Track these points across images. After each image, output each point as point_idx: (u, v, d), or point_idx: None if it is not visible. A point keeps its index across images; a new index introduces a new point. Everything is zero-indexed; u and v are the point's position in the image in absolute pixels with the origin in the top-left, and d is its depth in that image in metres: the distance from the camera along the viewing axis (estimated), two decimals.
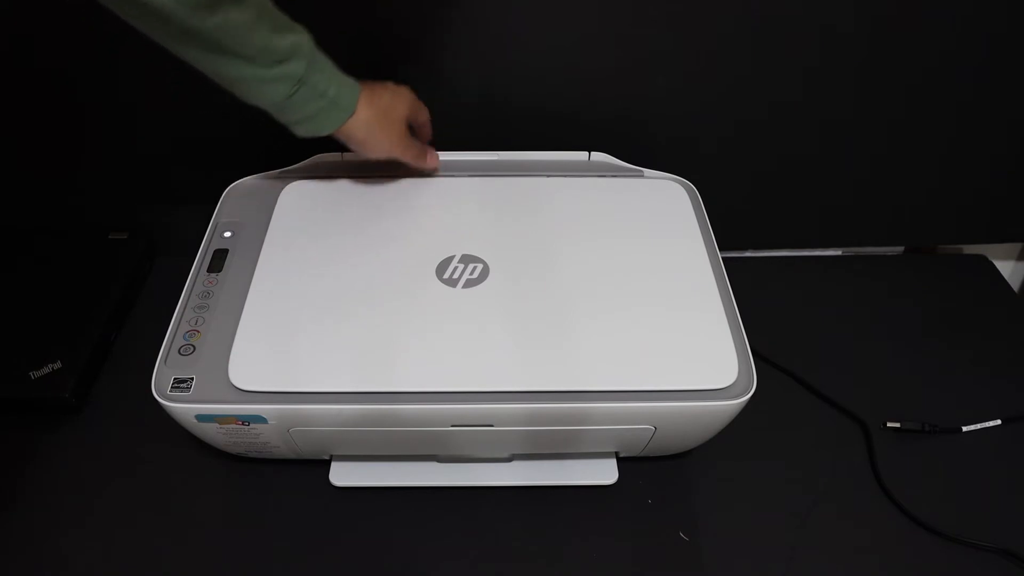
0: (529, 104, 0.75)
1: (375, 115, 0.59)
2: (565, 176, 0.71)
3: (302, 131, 0.57)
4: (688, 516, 0.64)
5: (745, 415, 0.57)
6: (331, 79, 0.55)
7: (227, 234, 0.66)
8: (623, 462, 0.66)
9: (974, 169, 0.82)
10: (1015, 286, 0.92)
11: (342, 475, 0.64)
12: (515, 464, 0.65)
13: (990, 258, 0.90)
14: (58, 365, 0.69)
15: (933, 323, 0.81)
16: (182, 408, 0.54)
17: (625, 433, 0.59)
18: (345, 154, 0.73)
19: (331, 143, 0.72)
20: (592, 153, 0.74)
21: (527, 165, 0.72)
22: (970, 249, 0.92)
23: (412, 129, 0.66)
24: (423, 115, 0.66)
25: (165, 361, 0.57)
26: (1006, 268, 0.94)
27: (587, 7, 0.69)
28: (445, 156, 0.71)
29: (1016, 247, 0.95)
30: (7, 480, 0.65)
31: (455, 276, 0.61)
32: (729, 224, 0.72)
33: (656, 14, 0.70)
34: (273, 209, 0.67)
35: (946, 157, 0.81)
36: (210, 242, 0.66)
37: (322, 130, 0.58)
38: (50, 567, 0.60)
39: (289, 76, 0.53)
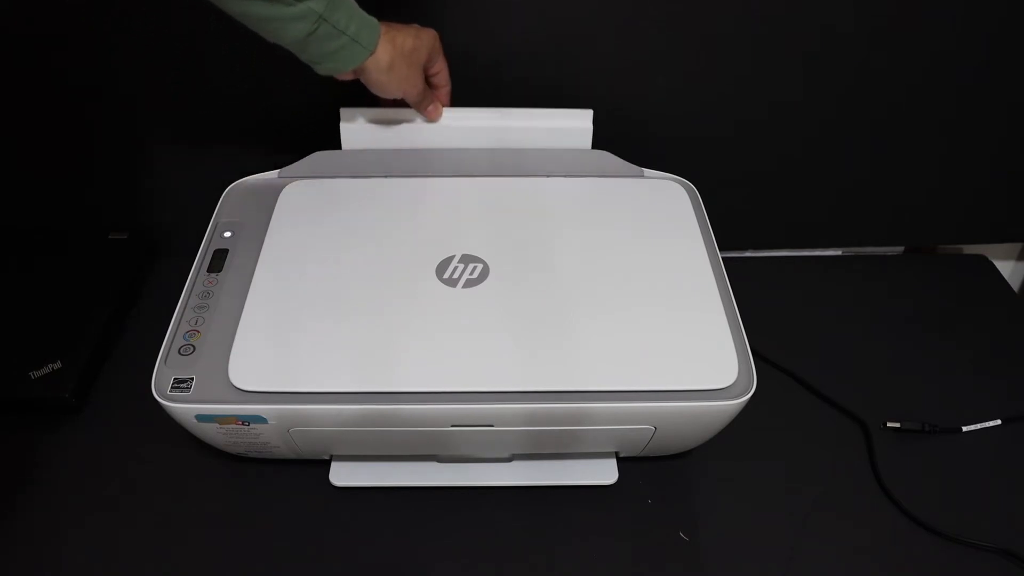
0: (529, 104, 0.75)
1: (395, 57, 0.61)
2: (565, 176, 0.70)
3: (323, 69, 0.59)
4: (688, 516, 0.64)
5: (745, 415, 0.57)
6: (351, 17, 0.57)
7: (227, 234, 0.66)
8: (623, 462, 0.66)
9: (974, 169, 0.82)
10: (1015, 286, 0.92)
11: (342, 475, 0.64)
12: (515, 464, 0.65)
13: (990, 258, 0.90)
14: (58, 365, 0.69)
15: (933, 323, 0.81)
16: (182, 408, 0.54)
17: (625, 433, 0.59)
18: (344, 150, 0.73)
19: (330, 141, 0.73)
20: (592, 151, 0.74)
21: (525, 137, 0.72)
22: (970, 249, 0.92)
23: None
24: (439, 64, 0.67)
25: (165, 361, 0.57)
26: (1006, 268, 0.94)
27: (587, 7, 0.69)
28: (447, 113, 0.71)
29: (1016, 247, 0.95)
30: (7, 480, 0.65)
31: (455, 276, 0.61)
32: (729, 224, 0.72)
33: (656, 14, 0.70)
34: (273, 209, 0.67)
35: (946, 157, 0.81)
36: (210, 242, 0.66)
37: (342, 68, 0.59)
38: (50, 567, 0.60)
39: (309, 13, 0.54)
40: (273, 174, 0.72)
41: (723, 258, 0.65)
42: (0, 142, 0.77)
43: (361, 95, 0.66)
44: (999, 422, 0.71)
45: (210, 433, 0.57)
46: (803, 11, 0.70)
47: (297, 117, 0.76)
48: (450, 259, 0.62)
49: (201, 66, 0.73)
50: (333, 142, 0.73)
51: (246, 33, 0.70)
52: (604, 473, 0.65)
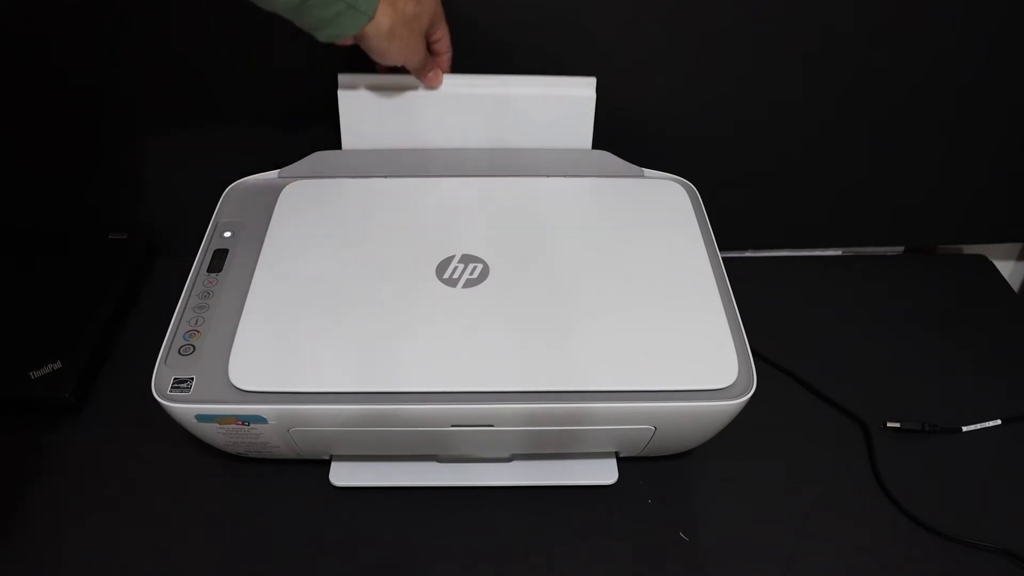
0: None
1: (396, 23, 0.59)
2: (565, 176, 0.70)
3: (323, 36, 0.58)
4: (688, 516, 0.64)
5: (745, 415, 0.57)
6: None
7: (227, 234, 0.66)
8: (623, 462, 0.66)
9: (974, 169, 0.82)
10: (1015, 286, 0.92)
11: (342, 475, 0.64)
12: (515, 464, 0.65)
13: (990, 258, 0.90)
14: (58, 365, 0.69)
15: (933, 323, 0.81)
16: (182, 408, 0.54)
17: (625, 433, 0.59)
18: (344, 150, 0.73)
19: (330, 141, 0.73)
20: (593, 151, 0.73)
21: (525, 106, 0.71)
22: (970, 249, 0.92)
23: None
24: (441, 31, 0.65)
25: (165, 361, 0.57)
26: (1006, 268, 0.94)
27: (587, 7, 0.69)
28: (448, 80, 0.70)
29: (1016, 247, 0.95)
30: (7, 480, 0.65)
31: (455, 276, 0.61)
32: (729, 224, 0.72)
33: (656, 14, 0.70)
34: (273, 209, 0.67)
35: (946, 157, 0.81)
36: (210, 242, 0.66)
37: (341, 34, 0.58)
38: (50, 567, 0.60)
39: None
40: (273, 174, 0.72)
41: (723, 258, 0.65)
42: (0, 142, 0.77)
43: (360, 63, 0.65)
44: (999, 422, 0.71)
45: (210, 433, 0.57)
46: (803, 11, 0.70)
47: (297, 117, 0.76)
48: (450, 259, 0.62)
49: (201, 66, 0.72)
50: (333, 142, 0.73)
51: (246, 33, 0.70)
52: (604, 473, 0.65)
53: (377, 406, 0.54)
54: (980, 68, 0.74)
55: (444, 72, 0.69)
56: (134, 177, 0.81)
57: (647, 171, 0.72)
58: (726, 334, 0.58)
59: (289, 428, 0.56)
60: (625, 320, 0.58)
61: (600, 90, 0.72)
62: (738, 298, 0.61)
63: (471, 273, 0.61)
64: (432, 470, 0.65)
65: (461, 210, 0.67)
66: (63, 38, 0.70)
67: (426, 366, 0.55)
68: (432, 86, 0.69)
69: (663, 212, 0.68)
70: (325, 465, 0.65)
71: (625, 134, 0.75)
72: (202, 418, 0.55)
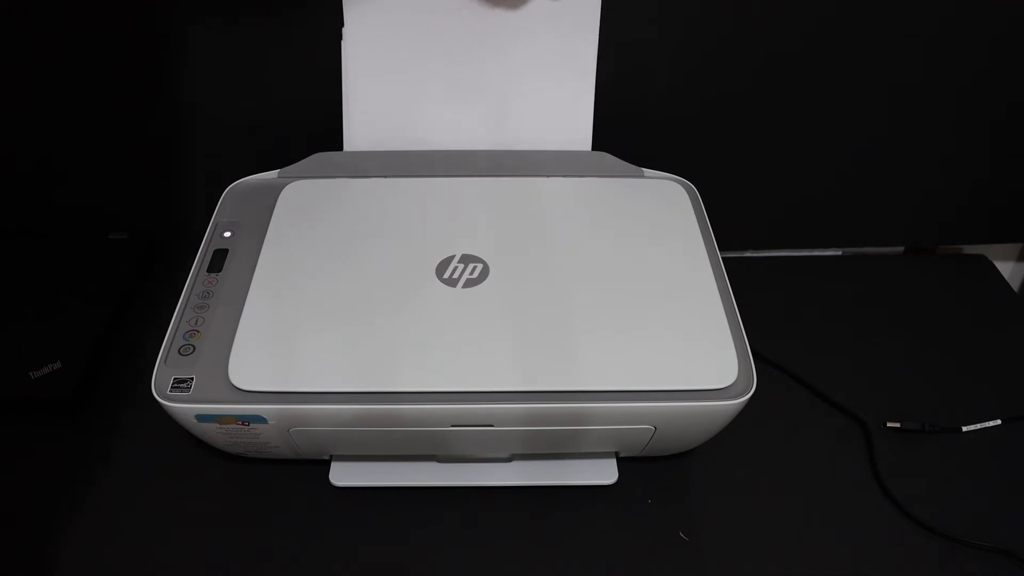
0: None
1: None
2: (565, 176, 0.71)
3: None
4: (688, 516, 0.64)
5: (745, 415, 0.57)
6: None
7: (227, 234, 0.66)
8: (623, 462, 0.66)
9: (974, 169, 0.82)
10: (1015, 286, 0.92)
11: (342, 475, 0.64)
12: (515, 464, 0.65)
13: (990, 258, 0.90)
14: (58, 365, 0.69)
15: (933, 323, 0.81)
16: (182, 408, 0.55)
17: (625, 433, 0.59)
18: (345, 151, 0.73)
19: (331, 141, 0.73)
20: (592, 152, 0.74)
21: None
22: (970, 249, 0.92)
23: None
24: None
25: (165, 361, 0.57)
26: (1006, 268, 0.94)
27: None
28: None
29: (1016, 247, 0.95)
30: (7, 480, 0.65)
31: (455, 276, 0.61)
32: (729, 224, 0.72)
33: (656, 13, 0.70)
34: (273, 209, 0.67)
35: (946, 157, 0.81)
36: (210, 242, 0.66)
37: None
38: (49, 568, 0.60)
39: None
40: (273, 174, 0.72)
41: (723, 258, 0.65)
42: (0, 142, 0.77)
43: None
44: (999, 422, 0.71)
45: (210, 433, 0.57)
46: (803, 10, 0.70)
47: (297, 117, 0.76)
48: (450, 259, 0.62)
49: (201, 65, 0.73)
50: (334, 142, 0.73)
51: (247, 32, 0.70)
52: (604, 473, 0.65)
53: (377, 406, 0.54)
54: (981, 68, 0.74)
55: None
56: (134, 177, 0.81)
57: (647, 171, 0.72)
58: (726, 334, 0.58)
59: (289, 428, 0.56)
60: (625, 320, 0.58)
61: (600, 90, 0.72)
62: (738, 298, 0.61)
63: (471, 273, 0.61)
64: (432, 470, 0.65)
65: (461, 210, 0.67)
66: (62, 37, 0.70)
67: (426, 366, 0.55)
68: None
69: (663, 212, 0.68)
70: (325, 465, 0.65)
71: (625, 134, 0.75)
72: (202, 418, 0.55)
